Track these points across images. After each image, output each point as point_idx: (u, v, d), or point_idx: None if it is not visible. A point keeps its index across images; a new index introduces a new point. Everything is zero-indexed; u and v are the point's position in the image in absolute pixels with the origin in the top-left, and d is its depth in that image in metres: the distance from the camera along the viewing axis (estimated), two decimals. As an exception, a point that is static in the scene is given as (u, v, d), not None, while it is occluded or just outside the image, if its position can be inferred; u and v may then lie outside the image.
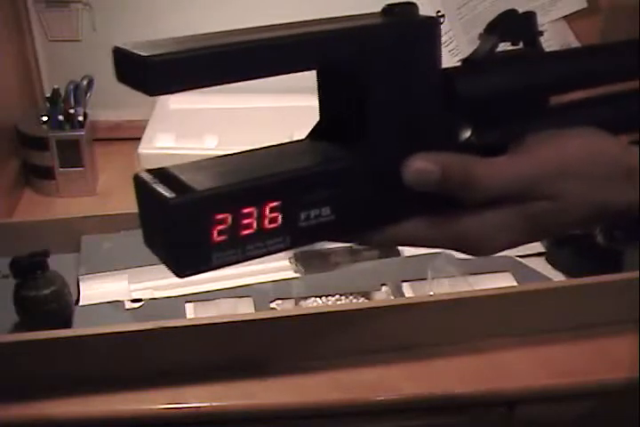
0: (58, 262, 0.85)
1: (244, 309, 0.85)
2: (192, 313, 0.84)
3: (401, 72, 0.38)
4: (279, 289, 0.87)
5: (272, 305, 0.85)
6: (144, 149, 1.11)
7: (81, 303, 0.85)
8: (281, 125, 1.20)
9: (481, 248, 0.42)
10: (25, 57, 1.24)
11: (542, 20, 1.29)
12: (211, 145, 1.12)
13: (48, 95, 1.14)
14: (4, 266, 0.83)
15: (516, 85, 0.43)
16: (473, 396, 0.79)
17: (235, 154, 0.39)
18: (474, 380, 0.79)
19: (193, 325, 0.77)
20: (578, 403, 0.82)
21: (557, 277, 0.92)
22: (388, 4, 0.38)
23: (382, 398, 0.77)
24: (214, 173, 0.37)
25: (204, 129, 1.16)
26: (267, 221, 0.36)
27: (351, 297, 0.87)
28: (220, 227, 0.35)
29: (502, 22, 0.44)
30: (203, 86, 0.33)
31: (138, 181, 0.36)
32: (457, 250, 0.43)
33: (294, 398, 0.77)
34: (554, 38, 1.31)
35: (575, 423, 0.84)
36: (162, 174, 0.36)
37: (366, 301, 0.87)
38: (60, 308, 0.83)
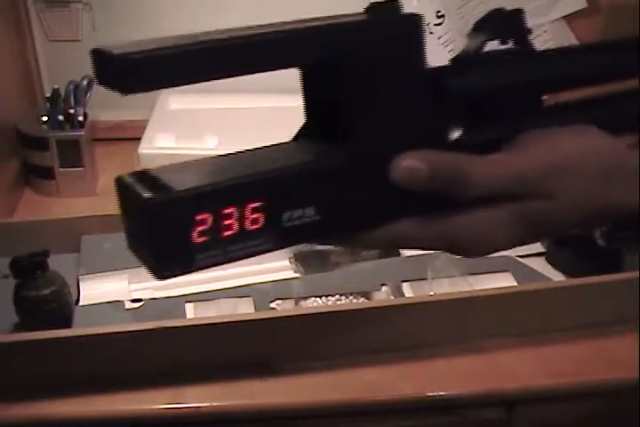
0: (58, 262, 0.85)
1: (244, 309, 0.85)
2: (192, 313, 0.84)
3: (385, 70, 0.37)
4: (279, 289, 0.87)
5: (272, 305, 0.85)
6: (144, 149, 1.11)
7: (81, 303, 0.85)
8: (281, 125, 1.20)
9: (475, 248, 0.41)
10: (25, 57, 1.24)
11: (542, 20, 1.29)
12: (211, 145, 1.12)
13: (48, 95, 1.14)
14: (3, 266, 0.83)
15: (505, 84, 0.42)
16: (473, 396, 0.79)
17: (222, 155, 0.38)
18: (474, 380, 0.79)
19: (193, 325, 0.77)
20: (578, 403, 0.82)
21: (557, 277, 0.92)
22: (372, 3, 0.38)
23: (382, 398, 0.77)
24: (196, 174, 0.36)
25: (204, 129, 1.16)
26: (249, 222, 0.35)
27: (351, 297, 0.87)
28: (201, 227, 0.34)
29: (490, 21, 0.43)
30: (179, 84, 0.33)
31: (119, 183, 0.35)
32: (450, 250, 0.42)
33: (294, 398, 0.77)
34: (554, 38, 1.31)
35: (575, 423, 0.84)
36: (143, 176, 0.35)
37: (366, 301, 0.87)
38: (60, 308, 0.83)
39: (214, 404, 0.76)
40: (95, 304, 0.85)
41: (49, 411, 0.74)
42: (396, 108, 0.38)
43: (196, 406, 0.75)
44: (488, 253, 0.42)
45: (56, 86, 1.13)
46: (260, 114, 1.23)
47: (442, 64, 0.42)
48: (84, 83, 1.13)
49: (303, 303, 0.86)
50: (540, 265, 0.93)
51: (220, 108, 1.25)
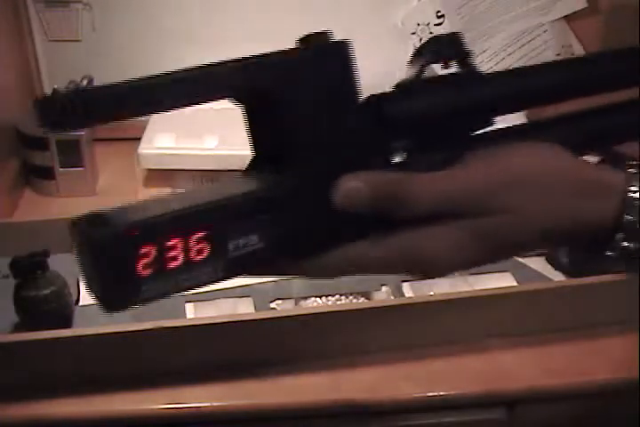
0: (58, 262, 0.85)
1: (243, 309, 0.85)
2: (192, 313, 0.84)
3: (319, 99, 0.38)
4: (279, 289, 0.87)
5: (272, 305, 0.85)
6: (144, 149, 1.11)
7: (81, 303, 0.85)
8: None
9: (434, 268, 0.40)
10: (25, 57, 1.24)
11: (542, 20, 1.29)
12: (211, 145, 1.12)
13: (48, 95, 1.14)
14: (3, 266, 0.83)
15: (445, 107, 0.43)
16: (473, 396, 0.78)
17: (180, 191, 0.39)
18: (474, 380, 0.79)
19: (193, 325, 0.77)
20: (578, 403, 0.82)
21: (557, 277, 0.92)
22: (304, 35, 0.39)
23: (382, 398, 0.77)
24: (143, 209, 0.36)
25: (204, 129, 1.16)
26: (194, 253, 0.36)
27: (351, 297, 0.87)
28: (146, 260, 0.35)
29: (429, 46, 0.43)
30: (121, 118, 0.33)
31: (73, 224, 0.36)
32: (409, 272, 0.41)
33: (294, 398, 0.77)
34: (554, 38, 1.31)
35: (575, 423, 0.84)
36: (93, 215, 0.36)
37: (366, 301, 0.87)
38: (60, 308, 0.83)
39: (214, 404, 0.76)
40: (95, 304, 0.84)
41: (49, 411, 0.74)
42: (334, 135, 0.39)
43: (195, 406, 0.75)
44: (449, 273, 0.41)
45: (56, 86, 1.13)
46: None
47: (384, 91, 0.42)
48: (84, 83, 1.13)
49: (303, 303, 0.86)
50: (540, 265, 0.93)
51: (220, 109, 1.24)
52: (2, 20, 1.16)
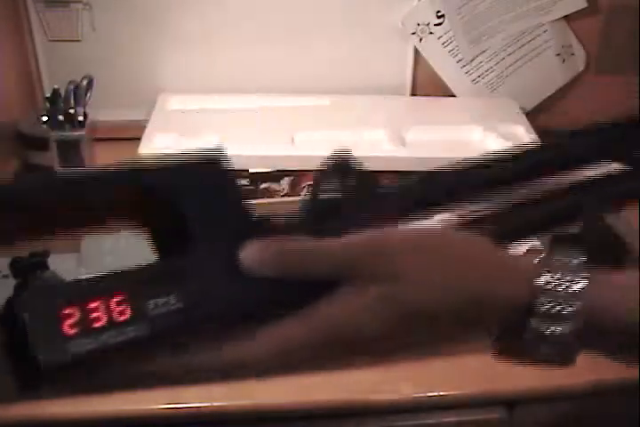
0: (58, 262, 0.85)
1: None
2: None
3: (207, 208, 0.42)
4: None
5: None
6: (144, 149, 1.11)
7: (81, 303, 0.85)
8: (281, 125, 1.20)
9: (354, 337, 0.41)
10: (25, 57, 1.24)
11: (542, 20, 1.29)
12: (210, 145, 1.12)
13: (48, 95, 1.14)
14: (3, 266, 0.83)
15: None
16: (473, 396, 0.79)
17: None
18: (474, 380, 0.79)
19: (193, 325, 0.77)
20: (578, 403, 0.82)
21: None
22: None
23: (382, 398, 0.77)
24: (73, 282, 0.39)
25: (204, 129, 1.16)
26: (116, 313, 0.38)
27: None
28: (70, 320, 0.37)
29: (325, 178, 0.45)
30: None
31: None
32: (328, 343, 0.42)
33: (294, 398, 0.77)
34: (554, 38, 1.31)
35: (575, 423, 0.84)
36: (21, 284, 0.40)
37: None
38: (60, 308, 0.83)
39: (214, 404, 0.76)
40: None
41: (49, 411, 0.74)
42: (227, 232, 0.42)
43: (195, 406, 0.75)
44: (367, 342, 0.42)
45: (56, 86, 1.13)
46: (259, 114, 1.23)
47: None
48: (84, 83, 1.13)
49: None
50: (540, 265, 0.93)
51: (220, 109, 1.25)
52: (2, 20, 1.16)
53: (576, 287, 0.41)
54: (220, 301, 0.41)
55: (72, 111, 1.12)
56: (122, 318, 0.38)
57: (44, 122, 1.13)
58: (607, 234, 1.02)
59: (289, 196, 1.09)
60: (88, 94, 1.14)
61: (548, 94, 1.36)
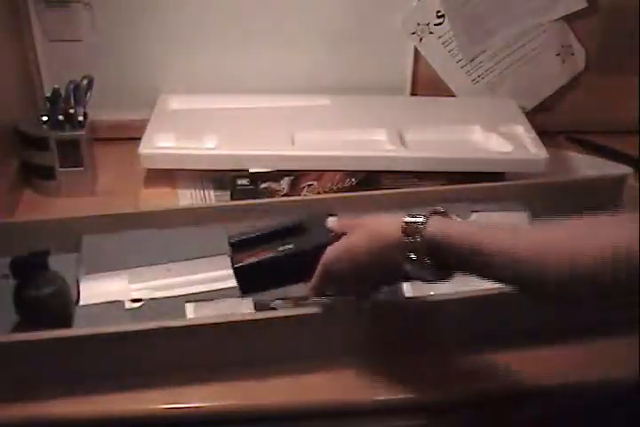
0: (58, 262, 0.85)
1: (243, 309, 0.85)
2: (192, 313, 0.84)
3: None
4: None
5: (272, 305, 0.85)
6: (144, 148, 1.11)
7: (81, 303, 0.85)
8: (281, 125, 1.20)
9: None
10: (25, 57, 1.24)
11: (542, 20, 1.29)
12: (211, 145, 1.12)
13: (48, 95, 1.14)
14: (3, 266, 0.83)
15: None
16: (472, 396, 0.79)
17: None
18: (473, 380, 0.79)
19: (193, 325, 0.77)
20: (578, 402, 0.82)
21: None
22: None
23: (382, 398, 0.77)
24: None
25: (204, 129, 1.16)
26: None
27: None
28: None
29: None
30: None
31: None
32: None
33: (294, 398, 0.77)
34: (554, 38, 1.31)
35: (575, 423, 0.84)
36: None
37: (366, 301, 0.87)
38: (60, 308, 0.83)
39: (214, 404, 0.76)
40: (95, 304, 0.85)
41: (49, 411, 0.74)
42: None
43: (195, 406, 0.75)
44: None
45: (56, 86, 1.13)
46: (259, 114, 1.23)
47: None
48: (84, 83, 1.13)
49: (303, 303, 0.86)
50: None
51: (220, 108, 1.25)
52: (2, 20, 1.16)
53: None
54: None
55: (72, 111, 1.12)
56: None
57: (44, 122, 1.13)
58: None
59: (289, 196, 1.09)
60: (88, 94, 1.14)
61: (548, 94, 1.36)
